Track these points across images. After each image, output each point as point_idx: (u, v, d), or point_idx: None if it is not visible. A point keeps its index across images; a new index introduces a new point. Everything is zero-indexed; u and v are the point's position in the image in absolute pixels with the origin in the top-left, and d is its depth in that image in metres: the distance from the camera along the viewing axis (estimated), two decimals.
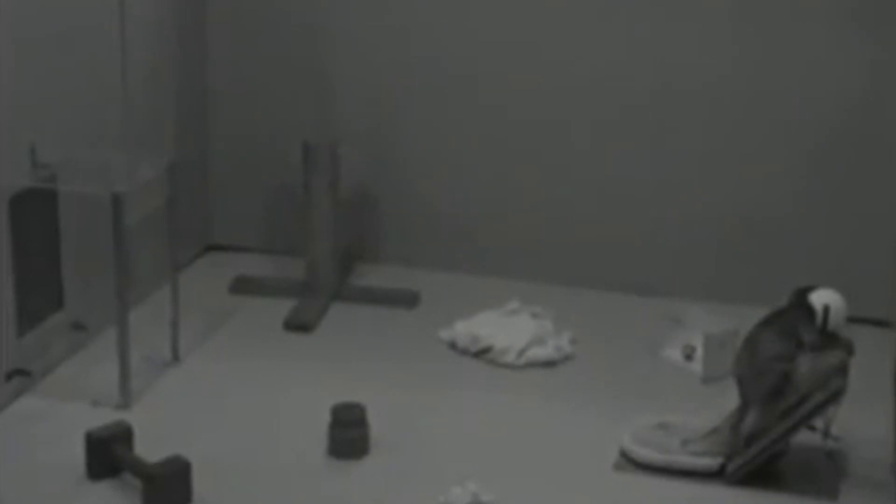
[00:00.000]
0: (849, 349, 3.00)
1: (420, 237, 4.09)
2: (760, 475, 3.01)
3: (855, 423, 3.12)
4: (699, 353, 3.49)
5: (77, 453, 2.97)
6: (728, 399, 3.07)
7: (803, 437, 3.05)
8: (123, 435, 2.99)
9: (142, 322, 3.41)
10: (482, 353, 3.57)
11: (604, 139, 3.92)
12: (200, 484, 2.88)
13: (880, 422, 3.11)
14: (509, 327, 3.61)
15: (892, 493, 2.99)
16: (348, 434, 3.08)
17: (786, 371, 2.97)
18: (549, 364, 3.55)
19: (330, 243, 3.89)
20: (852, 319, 3.05)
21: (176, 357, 3.49)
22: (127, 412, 3.20)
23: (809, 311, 2.98)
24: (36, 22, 3.26)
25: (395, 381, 3.43)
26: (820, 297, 3.00)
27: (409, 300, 3.88)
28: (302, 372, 3.48)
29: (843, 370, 2.98)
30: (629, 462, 3.08)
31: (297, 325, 3.72)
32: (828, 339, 2.99)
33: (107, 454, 2.96)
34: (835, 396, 2.99)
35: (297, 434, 3.15)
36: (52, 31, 3.32)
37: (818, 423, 3.04)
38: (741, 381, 3.02)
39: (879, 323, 3.59)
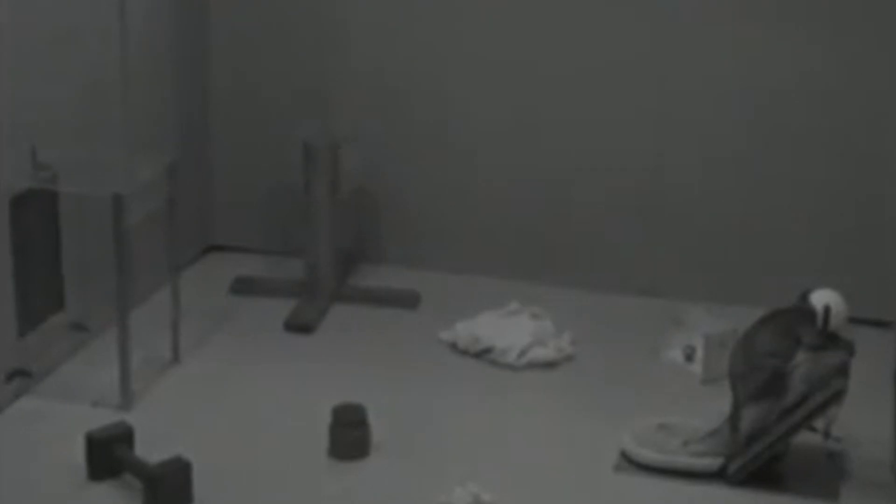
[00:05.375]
0: (849, 350, 3.00)
1: (420, 238, 4.09)
2: (761, 476, 3.01)
3: (855, 423, 3.12)
4: (699, 353, 3.49)
5: (78, 454, 2.97)
6: (728, 400, 3.06)
7: (804, 438, 3.05)
8: (124, 436, 2.99)
9: (142, 323, 3.40)
10: (483, 354, 3.57)
11: (604, 139, 3.92)
12: (201, 485, 2.88)
13: (881, 422, 3.11)
14: (510, 328, 3.61)
15: (893, 494, 3.00)
16: (349, 435, 3.08)
17: (779, 368, 2.97)
18: (549, 365, 3.55)
19: (330, 244, 3.89)
20: (853, 320, 3.05)
21: (176, 357, 3.49)
22: (127, 413, 3.20)
23: (810, 311, 2.98)
24: (36, 22, 3.26)
25: (396, 381, 3.43)
26: (820, 298, 3.00)
27: (409, 301, 3.88)
28: (303, 372, 3.48)
29: (843, 371, 2.98)
30: (630, 463, 3.08)
31: (298, 325, 3.72)
32: (828, 339, 2.99)
33: (107, 455, 2.95)
34: (835, 397, 2.99)
35: (297, 435, 3.15)
36: (52, 32, 3.32)
37: (819, 423, 3.04)
38: (734, 379, 3.01)
39: (880, 323, 3.59)
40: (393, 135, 4.05)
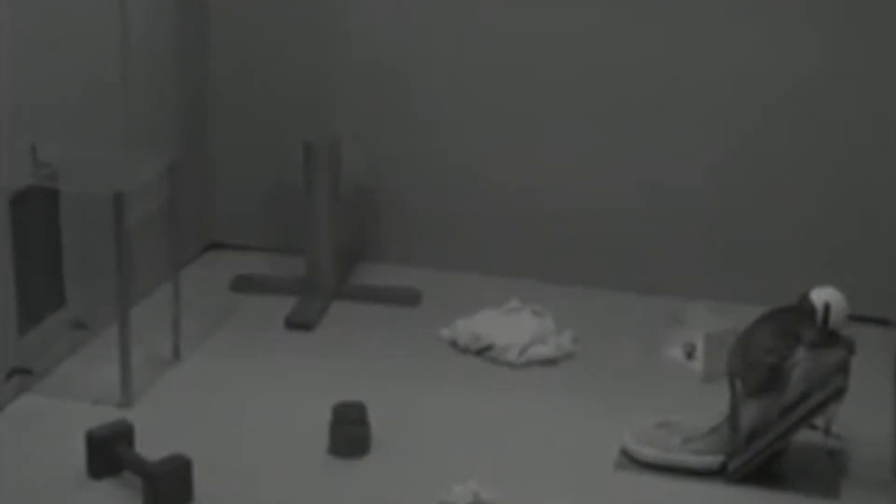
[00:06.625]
0: (850, 347, 3.00)
1: (421, 236, 4.09)
2: (762, 474, 3.01)
3: (856, 421, 3.12)
4: (700, 351, 3.49)
5: (78, 452, 2.97)
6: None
7: (804, 436, 3.05)
8: (124, 433, 2.99)
9: (143, 320, 3.41)
10: (483, 352, 3.57)
11: (604, 138, 3.92)
12: (201, 482, 2.89)
13: (881, 421, 3.11)
14: (510, 325, 3.61)
15: (894, 493, 2.99)
16: (349, 432, 3.08)
17: (777, 365, 2.97)
18: (550, 362, 3.55)
19: (331, 241, 3.89)
20: (853, 317, 3.05)
21: (177, 355, 3.49)
22: (128, 410, 3.20)
23: (810, 309, 2.98)
24: (36, 21, 3.26)
25: (396, 379, 3.43)
26: (821, 295, 2.99)
27: (410, 298, 3.88)
28: (303, 370, 3.48)
29: (844, 368, 2.98)
30: (630, 461, 3.08)
31: (298, 323, 3.72)
32: (829, 337, 2.99)
33: (108, 453, 2.95)
34: (836, 395, 2.99)
35: (297, 432, 3.15)
36: (52, 31, 3.31)
37: (819, 421, 3.04)
38: (732, 376, 3.01)
39: (880, 321, 3.59)
40: (393, 134, 4.05)
